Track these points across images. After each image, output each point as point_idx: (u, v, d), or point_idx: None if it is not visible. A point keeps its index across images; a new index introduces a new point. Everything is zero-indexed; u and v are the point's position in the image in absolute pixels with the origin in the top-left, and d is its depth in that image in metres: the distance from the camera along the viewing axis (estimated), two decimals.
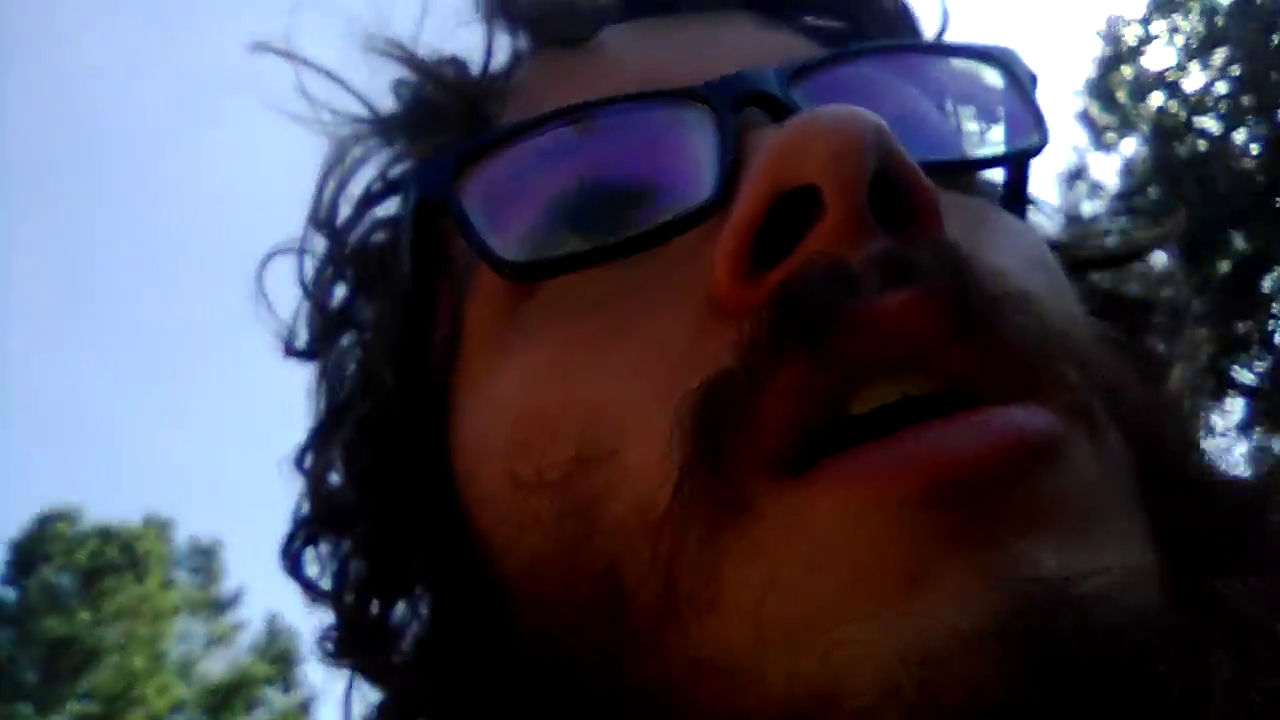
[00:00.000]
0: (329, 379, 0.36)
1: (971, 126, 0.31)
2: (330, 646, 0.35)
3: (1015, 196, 0.33)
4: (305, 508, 0.35)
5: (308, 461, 0.35)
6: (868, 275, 0.21)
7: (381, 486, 0.33)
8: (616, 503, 0.24)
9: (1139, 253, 0.36)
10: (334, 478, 0.33)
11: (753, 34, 0.33)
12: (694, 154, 0.26)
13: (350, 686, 0.37)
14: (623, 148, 0.27)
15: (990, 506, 0.19)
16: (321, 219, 0.36)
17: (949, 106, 0.30)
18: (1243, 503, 0.23)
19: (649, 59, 0.31)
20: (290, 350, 0.37)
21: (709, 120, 0.26)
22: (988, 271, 0.22)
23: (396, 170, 0.35)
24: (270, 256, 0.37)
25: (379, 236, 0.35)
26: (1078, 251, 0.35)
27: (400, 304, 0.32)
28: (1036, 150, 0.29)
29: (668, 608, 0.22)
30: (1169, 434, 0.25)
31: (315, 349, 0.37)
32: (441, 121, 0.32)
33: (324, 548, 0.35)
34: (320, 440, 0.35)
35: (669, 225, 0.25)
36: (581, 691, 0.25)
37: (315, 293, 0.36)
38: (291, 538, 0.36)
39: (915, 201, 0.23)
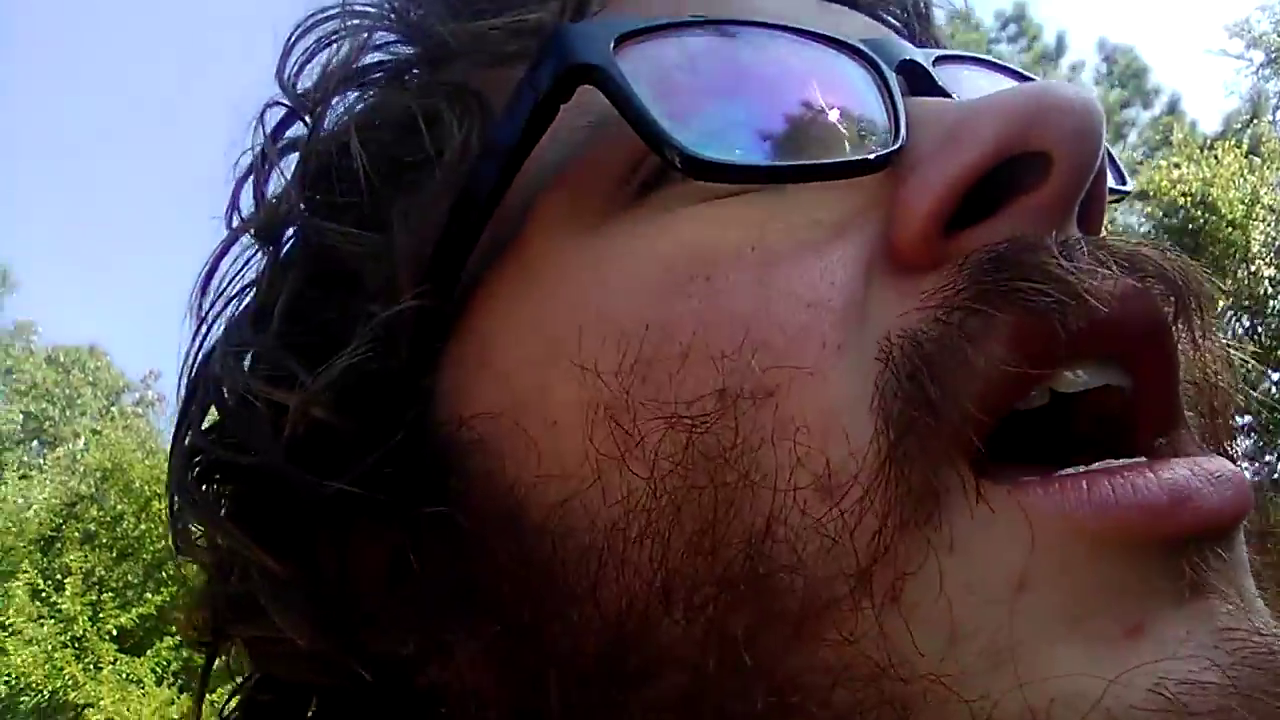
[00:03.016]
0: (303, 268, 0.30)
1: None
2: (227, 612, 0.29)
3: None
4: (236, 423, 0.29)
5: (256, 366, 0.29)
6: (1086, 254, 0.21)
7: (378, 411, 0.27)
8: (780, 456, 0.20)
9: None
10: (316, 400, 0.27)
11: (845, 11, 0.32)
12: (859, 99, 0.26)
13: (210, 667, 0.31)
14: (782, 72, 0.26)
15: (1217, 560, 0.20)
16: (336, 75, 0.30)
17: None
18: None
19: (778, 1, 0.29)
20: (257, 230, 0.30)
21: (866, 75, 0.26)
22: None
23: (449, 35, 0.30)
24: (268, 106, 0.31)
25: (427, 105, 0.29)
26: None
27: (467, 190, 0.27)
28: (1124, 194, 0.30)
29: (837, 593, 0.19)
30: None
31: (273, 230, 0.30)
32: None
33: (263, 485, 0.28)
34: (282, 344, 0.28)
35: (852, 164, 0.24)
36: (672, 693, 0.21)
37: (311, 164, 0.29)
38: (196, 460, 0.29)
39: (1097, 202, 0.23)
